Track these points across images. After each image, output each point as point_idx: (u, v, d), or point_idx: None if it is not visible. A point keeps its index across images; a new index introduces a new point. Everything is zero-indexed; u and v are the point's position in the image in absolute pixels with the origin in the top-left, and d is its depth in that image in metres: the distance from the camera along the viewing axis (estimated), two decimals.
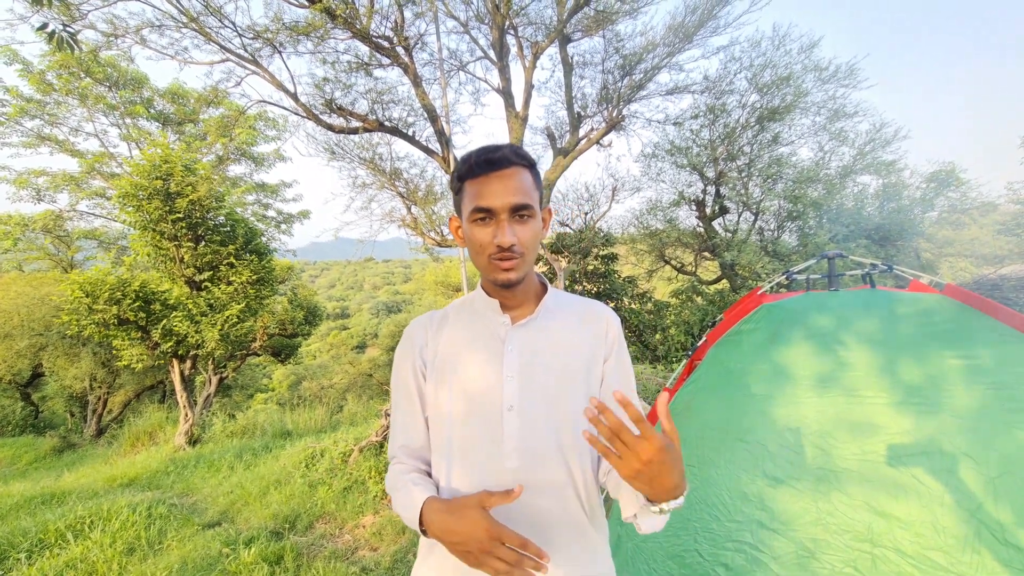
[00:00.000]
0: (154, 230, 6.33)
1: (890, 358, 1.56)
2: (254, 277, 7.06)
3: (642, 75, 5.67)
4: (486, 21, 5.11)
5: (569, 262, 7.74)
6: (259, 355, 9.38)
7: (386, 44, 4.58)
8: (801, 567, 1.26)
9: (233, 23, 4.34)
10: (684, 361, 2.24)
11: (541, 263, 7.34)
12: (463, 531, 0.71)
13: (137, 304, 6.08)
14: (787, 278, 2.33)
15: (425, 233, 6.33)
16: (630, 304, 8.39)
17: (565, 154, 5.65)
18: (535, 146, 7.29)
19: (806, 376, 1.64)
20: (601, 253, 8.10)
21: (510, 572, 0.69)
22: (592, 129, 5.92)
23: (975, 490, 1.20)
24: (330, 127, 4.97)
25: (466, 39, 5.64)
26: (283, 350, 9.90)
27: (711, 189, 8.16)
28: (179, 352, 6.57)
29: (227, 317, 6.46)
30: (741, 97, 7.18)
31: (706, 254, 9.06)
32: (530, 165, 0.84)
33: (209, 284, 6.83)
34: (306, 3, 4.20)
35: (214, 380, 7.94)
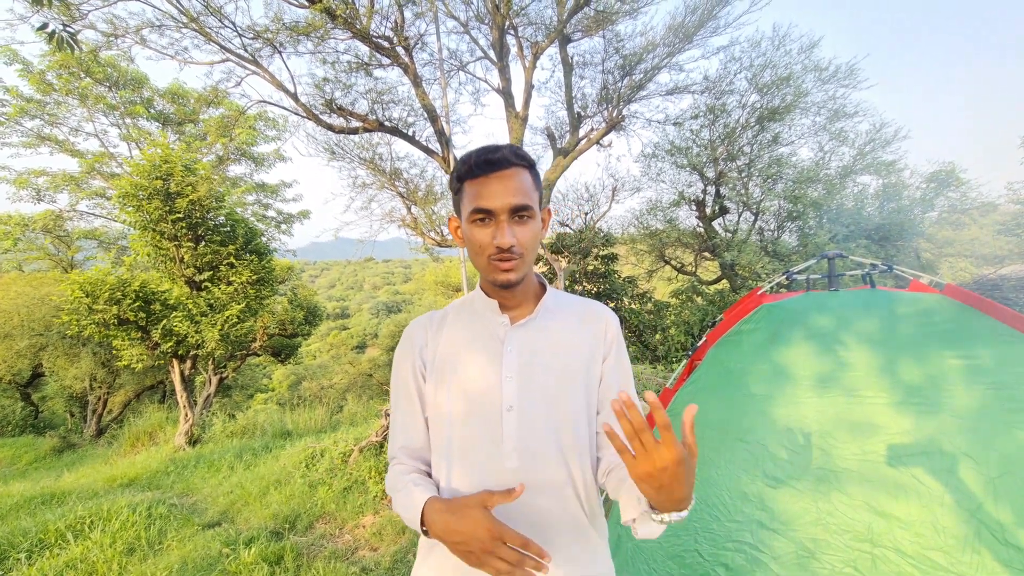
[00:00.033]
0: (154, 230, 6.33)
1: (890, 358, 1.57)
2: (254, 277, 7.06)
3: (642, 75, 5.68)
4: (486, 21, 5.11)
5: (569, 262, 7.75)
6: (259, 355, 9.38)
7: (386, 44, 4.58)
8: (801, 567, 1.26)
9: (233, 23, 4.35)
10: (684, 361, 2.25)
11: (541, 263, 7.34)
12: (465, 531, 0.71)
13: (137, 304, 6.08)
14: (787, 278, 2.33)
15: (425, 233, 6.33)
16: (630, 304, 8.40)
17: (565, 154, 5.65)
18: (535, 146, 7.30)
19: (806, 376, 1.64)
20: (601, 253, 8.10)
21: (511, 572, 0.69)
22: (592, 129, 5.93)
23: (975, 490, 1.20)
24: (330, 127, 4.98)
25: (466, 39, 5.66)
26: (283, 350, 9.90)
27: (711, 189, 8.16)
28: (179, 352, 6.57)
29: (227, 317, 6.46)
30: (741, 97, 7.19)
31: (706, 254, 9.07)
32: (530, 166, 0.84)
33: (209, 284, 6.83)
34: (306, 3, 4.20)
35: (214, 380, 7.94)
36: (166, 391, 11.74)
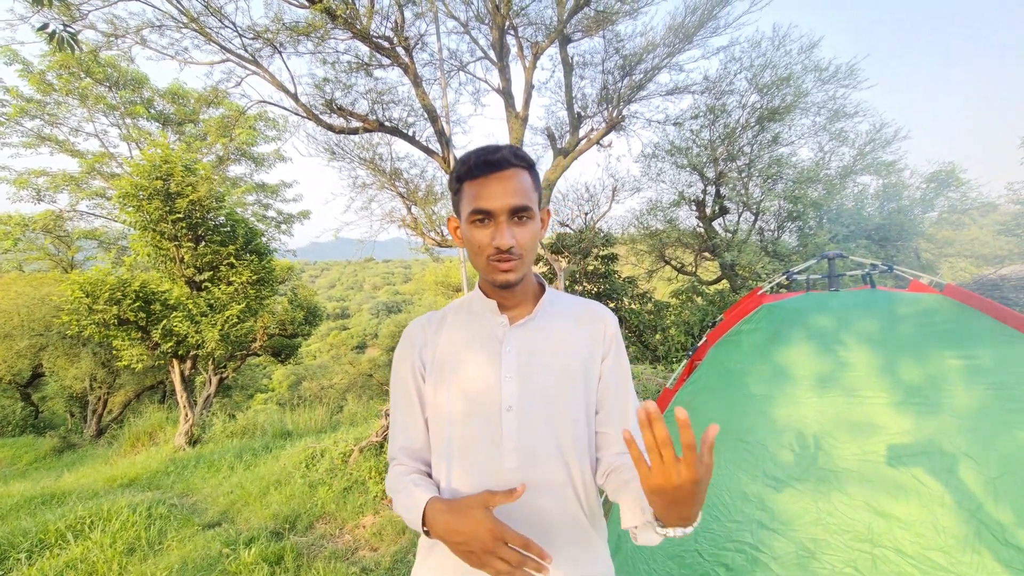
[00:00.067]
0: (154, 230, 6.34)
1: (890, 358, 1.57)
2: (254, 277, 7.06)
3: (642, 75, 5.68)
4: (486, 21, 5.11)
5: (569, 262, 7.75)
6: (259, 355, 9.37)
7: (386, 44, 4.58)
8: (801, 567, 1.26)
9: (233, 23, 4.34)
10: (684, 361, 2.25)
11: (541, 263, 7.34)
12: (466, 531, 0.71)
13: (137, 304, 6.08)
14: (787, 278, 2.33)
15: (425, 233, 6.33)
16: (630, 304, 8.40)
17: (565, 154, 5.65)
18: (535, 146, 7.29)
19: (806, 376, 1.64)
20: (601, 253, 8.10)
21: (512, 573, 0.69)
22: (592, 129, 5.92)
23: (975, 490, 1.20)
24: (330, 127, 4.98)
25: (466, 39, 5.65)
26: (283, 350, 9.90)
27: (711, 189, 8.16)
28: (179, 352, 6.57)
29: (227, 317, 6.46)
30: (741, 97, 7.19)
31: (706, 254, 9.06)
32: (529, 166, 0.84)
33: (209, 284, 6.83)
34: (306, 3, 4.20)
35: (214, 380, 7.94)
36: (166, 391, 11.74)
